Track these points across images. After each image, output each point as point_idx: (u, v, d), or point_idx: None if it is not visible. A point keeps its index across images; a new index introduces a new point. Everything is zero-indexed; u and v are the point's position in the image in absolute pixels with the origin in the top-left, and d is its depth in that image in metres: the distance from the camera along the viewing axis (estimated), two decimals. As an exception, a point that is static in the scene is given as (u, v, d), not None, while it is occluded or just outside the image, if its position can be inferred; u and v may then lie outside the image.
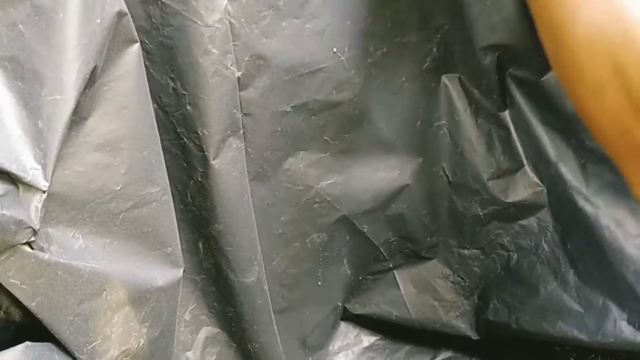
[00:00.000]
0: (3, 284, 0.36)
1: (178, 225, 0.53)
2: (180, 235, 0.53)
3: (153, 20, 0.45)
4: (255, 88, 0.51)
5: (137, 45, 0.41)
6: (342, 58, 0.55)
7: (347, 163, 0.61)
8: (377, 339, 0.74)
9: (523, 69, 0.57)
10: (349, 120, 0.58)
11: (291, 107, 0.54)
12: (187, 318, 0.58)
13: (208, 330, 0.59)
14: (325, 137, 0.58)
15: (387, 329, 0.73)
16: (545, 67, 0.55)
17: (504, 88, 0.59)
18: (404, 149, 0.62)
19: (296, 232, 0.62)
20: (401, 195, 0.64)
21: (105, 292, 0.40)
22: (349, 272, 0.67)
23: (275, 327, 0.60)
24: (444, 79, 0.60)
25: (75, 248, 0.40)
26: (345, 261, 0.67)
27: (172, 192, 0.51)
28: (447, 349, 0.73)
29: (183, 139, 0.49)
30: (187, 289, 0.57)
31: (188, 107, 0.48)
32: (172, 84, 0.47)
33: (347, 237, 0.66)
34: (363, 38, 0.55)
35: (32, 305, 0.37)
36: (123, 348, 0.42)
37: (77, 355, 0.39)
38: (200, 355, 0.59)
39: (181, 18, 0.45)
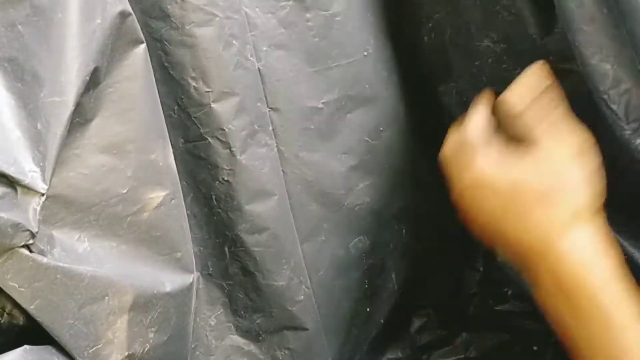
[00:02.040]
0: (2, 286, 0.35)
1: (204, 229, 0.52)
2: (206, 239, 0.53)
3: (172, 19, 0.44)
4: (279, 80, 0.50)
5: (143, 46, 0.40)
6: (371, 51, 0.54)
7: (385, 162, 0.60)
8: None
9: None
10: (386, 117, 0.57)
11: (322, 102, 0.53)
12: (212, 323, 0.57)
13: (234, 339, 0.58)
14: (366, 138, 0.57)
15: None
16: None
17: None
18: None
19: (340, 240, 0.60)
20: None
21: (107, 297, 0.40)
22: (396, 287, 0.65)
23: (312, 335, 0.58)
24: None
25: (80, 251, 0.40)
26: (393, 275, 0.65)
27: (197, 196, 0.51)
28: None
29: (207, 138, 0.48)
30: (214, 294, 0.56)
31: (212, 105, 0.47)
32: (194, 84, 0.46)
33: (391, 245, 0.64)
34: (395, 32, 0.55)
35: (31, 308, 0.36)
36: (127, 353, 0.42)
37: (78, 359, 0.39)
38: (223, 363, 0.58)
39: (202, 13, 0.45)
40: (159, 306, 0.44)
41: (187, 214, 0.51)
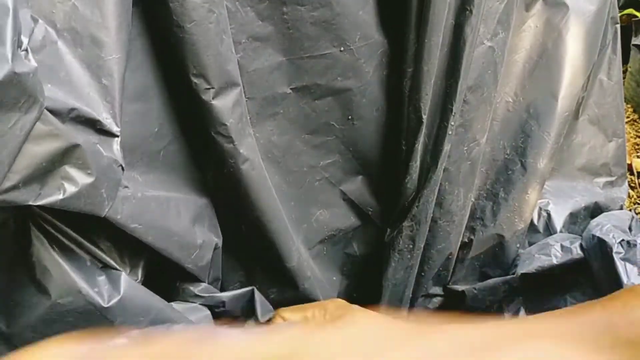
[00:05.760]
0: (120, 227, 0.43)
1: (220, 211, 0.57)
2: (222, 219, 0.58)
3: (174, 17, 0.45)
4: (255, 71, 0.54)
5: None
6: (352, 47, 0.56)
7: (351, 145, 0.63)
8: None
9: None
10: (357, 109, 0.60)
11: (291, 88, 0.57)
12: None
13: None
14: (332, 122, 0.60)
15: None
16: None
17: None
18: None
19: (304, 214, 0.64)
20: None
21: (181, 212, 0.49)
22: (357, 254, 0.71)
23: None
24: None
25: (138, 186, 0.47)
26: (354, 245, 0.71)
27: (208, 184, 0.55)
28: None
29: (211, 133, 0.50)
30: (233, 266, 0.61)
31: (213, 102, 0.48)
32: (195, 80, 0.47)
33: (352, 218, 0.69)
34: (375, 27, 0.57)
35: (149, 239, 0.45)
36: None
37: (183, 264, 0.49)
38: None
39: (203, 10, 0.46)
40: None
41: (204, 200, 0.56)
